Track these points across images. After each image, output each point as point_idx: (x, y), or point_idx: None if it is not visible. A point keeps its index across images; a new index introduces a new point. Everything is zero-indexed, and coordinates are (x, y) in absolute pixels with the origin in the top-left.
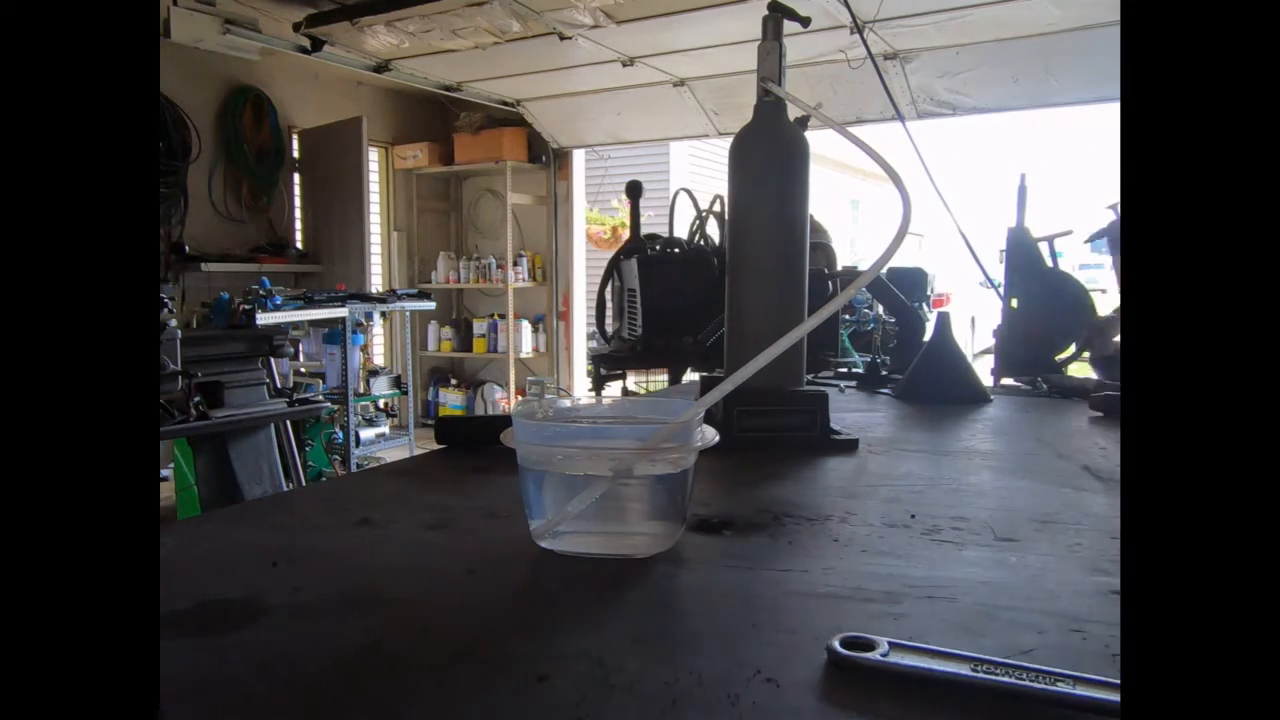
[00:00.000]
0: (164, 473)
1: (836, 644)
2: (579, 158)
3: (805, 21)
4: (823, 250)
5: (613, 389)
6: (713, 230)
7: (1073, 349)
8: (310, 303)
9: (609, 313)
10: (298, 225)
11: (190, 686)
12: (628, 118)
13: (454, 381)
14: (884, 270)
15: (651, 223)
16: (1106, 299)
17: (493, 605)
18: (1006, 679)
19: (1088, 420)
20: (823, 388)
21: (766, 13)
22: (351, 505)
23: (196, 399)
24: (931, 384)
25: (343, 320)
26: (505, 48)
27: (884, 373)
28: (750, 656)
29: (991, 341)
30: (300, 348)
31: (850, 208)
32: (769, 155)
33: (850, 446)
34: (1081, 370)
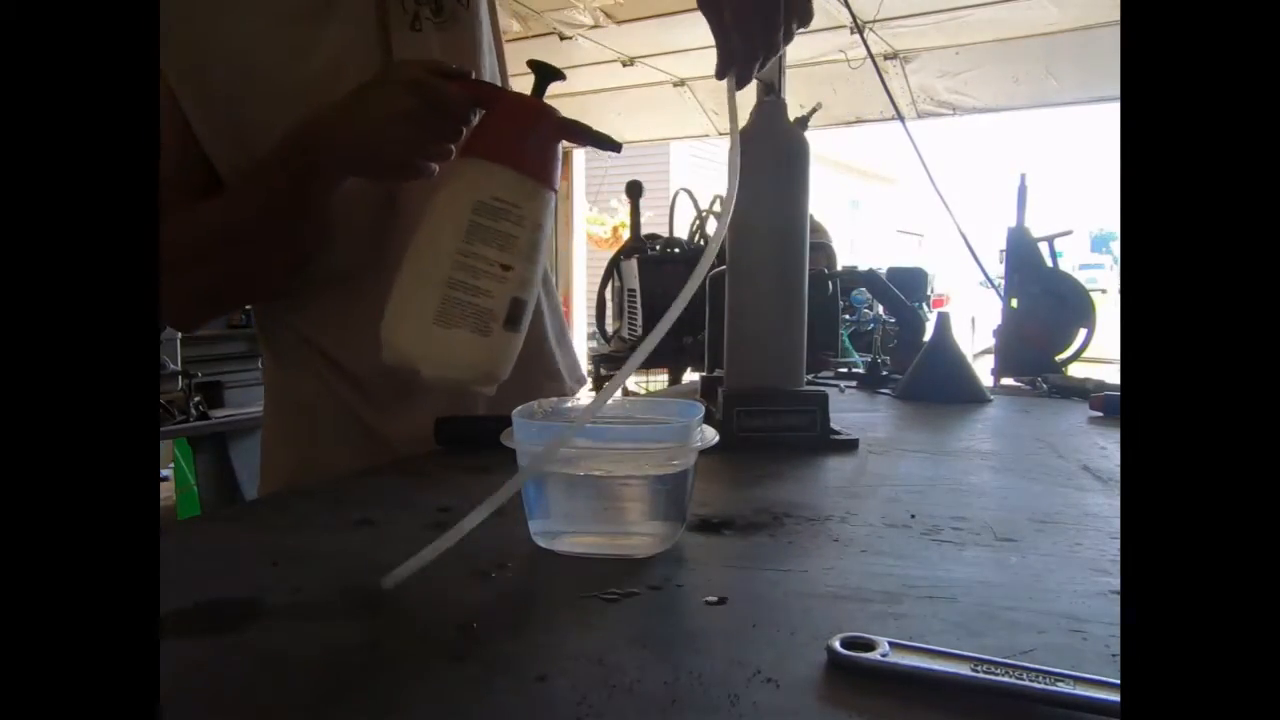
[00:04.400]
0: (164, 473)
1: (836, 644)
2: (579, 157)
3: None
4: (823, 250)
5: None
6: (713, 230)
7: (1073, 349)
8: None
9: (609, 313)
10: None
11: (190, 686)
12: (628, 118)
13: None
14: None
15: (651, 223)
16: (1106, 299)
17: (493, 605)
18: (1006, 679)
19: (1088, 420)
20: (823, 388)
21: None
22: (351, 505)
23: (196, 399)
24: (931, 384)
25: None
26: (505, 48)
27: (884, 373)
28: (750, 656)
29: (991, 341)
30: None
31: (850, 208)
32: (769, 155)
33: (850, 446)
34: (1082, 370)
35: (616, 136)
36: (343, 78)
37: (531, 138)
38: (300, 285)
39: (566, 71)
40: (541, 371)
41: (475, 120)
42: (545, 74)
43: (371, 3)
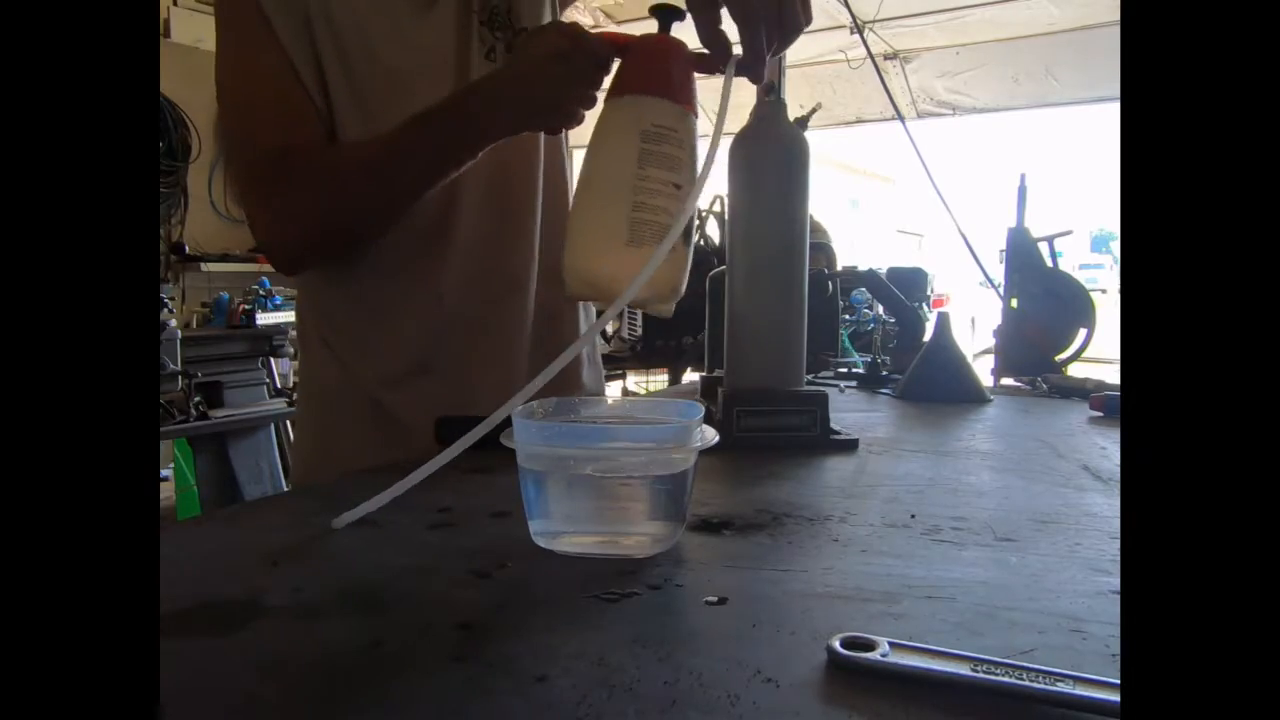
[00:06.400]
0: (164, 473)
1: (836, 644)
2: (580, 158)
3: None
4: (823, 250)
5: (613, 389)
6: (713, 230)
7: (1073, 349)
8: None
9: None
10: None
11: (190, 686)
12: None
13: None
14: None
15: None
16: (1106, 299)
17: (493, 605)
18: (1006, 679)
19: (1088, 420)
20: (823, 388)
21: None
22: (352, 505)
23: (196, 399)
24: (931, 384)
25: None
26: None
27: (884, 373)
28: (750, 656)
29: (991, 341)
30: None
31: (850, 208)
32: (769, 155)
33: (850, 446)
34: (1082, 370)
35: None
36: (436, 78)
37: (673, 69)
38: (352, 267)
39: None
40: (570, 389)
41: (613, 67)
42: (668, 15)
43: (454, 17)
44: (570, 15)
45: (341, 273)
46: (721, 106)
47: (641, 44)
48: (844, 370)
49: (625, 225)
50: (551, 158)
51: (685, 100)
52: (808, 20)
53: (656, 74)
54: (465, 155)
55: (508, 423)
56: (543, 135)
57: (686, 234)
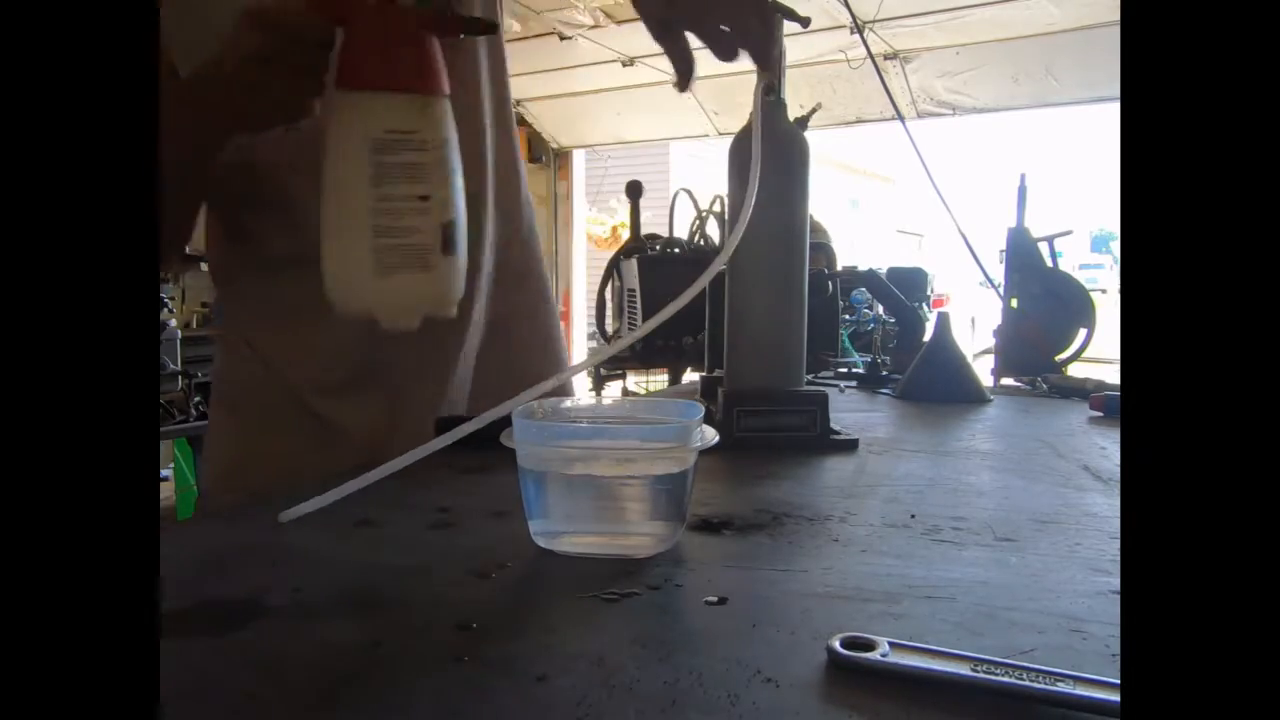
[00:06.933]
0: (164, 473)
1: (836, 644)
2: (579, 158)
3: (805, 22)
4: (823, 250)
5: (613, 389)
6: (713, 230)
7: (1073, 349)
8: None
9: (609, 313)
10: None
11: (190, 686)
12: (628, 118)
13: None
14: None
15: (651, 223)
16: (1106, 299)
17: (493, 605)
18: (1006, 679)
19: (1088, 420)
20: (823, 388)
21: None
22: (350, 505)
23: (196, 399)
24: (931, 384)
25: None
26: (505, 48)
27: (884, 373)
28: (750, 656)
29: (991, 341)
30: None
31: (850, 207)
32: (769, 155)
33: (850, 446)
34: (1082, 370)
35: (616, 137)
36: None
37: (402, 49)
38: (257, 269)
39: (566, 71)
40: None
41: (338, 42)
42: None
43: None
44: (570, 15)
45: (270, 275)
46: (755, 134)
47: (361, 21)
48: (844, 370)
49: (369, 254)
50: (501, 143)
51: (423, 86)
52: (768, 29)
53: (380, 62)
54: (204, 154)
55: (491, 426)
56: (489, 123)
57: (449, 243)
